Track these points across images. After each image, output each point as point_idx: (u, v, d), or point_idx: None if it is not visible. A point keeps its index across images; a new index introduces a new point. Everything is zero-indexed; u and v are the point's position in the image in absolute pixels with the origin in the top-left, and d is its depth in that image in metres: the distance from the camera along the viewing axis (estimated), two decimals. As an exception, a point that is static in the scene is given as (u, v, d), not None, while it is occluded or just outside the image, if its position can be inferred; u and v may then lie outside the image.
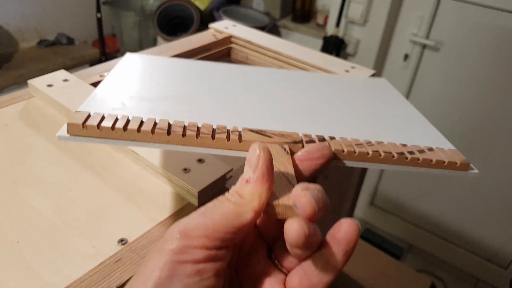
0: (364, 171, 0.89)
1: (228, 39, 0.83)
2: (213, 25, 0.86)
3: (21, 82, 1.91)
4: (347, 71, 0.72)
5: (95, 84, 0.62)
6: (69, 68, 2.06)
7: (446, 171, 0.34)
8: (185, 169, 0.46)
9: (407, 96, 1.85)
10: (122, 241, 0.40)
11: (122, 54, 1.92)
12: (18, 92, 0.61)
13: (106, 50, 2.10)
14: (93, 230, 0.41)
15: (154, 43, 2.09)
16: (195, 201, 0.44)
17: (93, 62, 2.10)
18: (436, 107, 1.78)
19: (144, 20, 2.03)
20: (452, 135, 1.83)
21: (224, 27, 0.85)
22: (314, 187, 0.23)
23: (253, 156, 0.25)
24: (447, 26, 1.63)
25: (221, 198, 0.25)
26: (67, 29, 2.16)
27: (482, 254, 1.89)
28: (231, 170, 0.47)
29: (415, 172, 0.32)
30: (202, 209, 0.25)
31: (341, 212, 0.87)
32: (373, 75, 0.73)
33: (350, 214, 0.95)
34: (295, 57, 0.76)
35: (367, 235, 1.72)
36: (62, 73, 0.63)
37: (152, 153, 0.48)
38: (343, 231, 0.23)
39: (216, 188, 0.46)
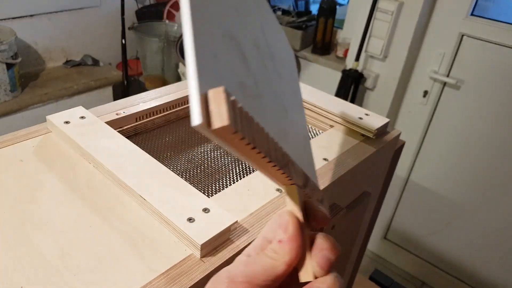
0: (376, 212, 0.89)
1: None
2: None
3: (46, 101, 1.96)
4: (360, 118, 0.72)
5: (111, 123, 0.64)
6: (93, 89, 2.11)
7: None
8: (190, 219, 0.46)
9: (426, 131, 1.83)
10: (122, 292, 0.40)
11: (145, 77, 1.95)
12: (37, 127, 0.63)
13: (130, 73, 2.15)
14: (94, 278, 0.41)
15: (176, 68, 2.12)
16: (198, 253, 0.45)
17: (116, 84, 2.14)
18: (454, 144, 1.76)
19: (167, 46, 2.07)
20: (469, 172, 1.81)
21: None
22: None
23: (284, 220, 0.30)
24: (468, 64, 1.63)
25: (261, 253, 0.31)
26: (93, 51, 2.22)
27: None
28: (236, 222, 0.47)
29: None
30: (245, 259, 0.31)
31: (352, 251, 0.86)
32: (386, 125, 0.73)
33: (362, 250, 0.94)
34: (306, 100, 0.76)
35: (376, 276, 1.68)
36: (79, 110, 0.64)
37: (159, 199, 0.49)
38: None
39: (220, 240, 0.46)
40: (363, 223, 0.81)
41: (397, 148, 0.78)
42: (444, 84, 1.71)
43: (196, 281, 0.42)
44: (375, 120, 0.72)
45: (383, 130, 0.73)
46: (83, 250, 0.44)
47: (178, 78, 2.18)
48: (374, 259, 2.14)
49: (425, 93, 1.78)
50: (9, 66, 1.75)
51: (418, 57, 1.75)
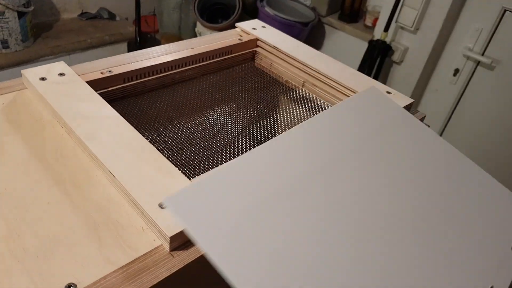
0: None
1: (254, 42, 0.76)
2: (240, 25, 0.78)
3: (58, 53, 1.90)
4: (379, 95, 0.63)
5: (93, 83, 0.56)
6: (107, 44, 2.04)
7: None
8: (162, 204, 0.39)
9: (452, 113, 1.72)
10: None
11: (161, 35, 1.86)
12: (11, 82, 0.56)
13: (145, 29, 2.06)
14: (41, 267, 0.35)
15: (193, 27, 2.03)
16: (167, 246, 0.38)
17: (132, 41, 2.06)
18: (482, 129, 1.65)
19: (186, 4, 1.97)
20: (495, 160, 1.70)
21: (251, 27, 0.77)
22: None
23: None
24: (507, 43, 1.49)
25: None
26: (110, 4, 2.13)
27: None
28: (217, 210, 0.40)
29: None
30: None
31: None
32: (409, 106, 0.64)
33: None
34: (324, 73, 0.67)
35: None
36: (59, 66, 0.57)
37: (130, 177, 0.42)
38: None
39: (195, 231, 0.39)
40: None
41: (419, 133, 0.69)
42: (478, 63, 1.58)
43: (160, 279, 0.36)
44: (397, 100, 0.63)
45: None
46: (34, 230, 0.38)
47: (195, 37, 2.08)
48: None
49: (456, 71, 1.65)
50: (20, 14, 1.68)
51: (453, 32, 1.62)
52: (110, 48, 2.04)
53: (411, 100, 0.65)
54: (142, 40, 1.96)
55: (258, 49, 0.76)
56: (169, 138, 0.57)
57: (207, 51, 0.68)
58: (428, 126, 0.64)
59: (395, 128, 0.51)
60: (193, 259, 0.38)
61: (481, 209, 0.41)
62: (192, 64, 0.68)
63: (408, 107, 0.64)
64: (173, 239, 0.37)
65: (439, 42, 1.62)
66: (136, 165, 0.43)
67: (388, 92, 0.65)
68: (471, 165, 0.47)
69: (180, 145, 0.56)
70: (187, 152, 0.55)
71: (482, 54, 1.56)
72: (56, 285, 0.34)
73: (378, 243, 0.35)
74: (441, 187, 0.43)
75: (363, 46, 1.75)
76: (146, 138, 0.48)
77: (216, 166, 0.51)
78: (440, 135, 1.74)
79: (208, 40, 0.72)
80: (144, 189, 0.41)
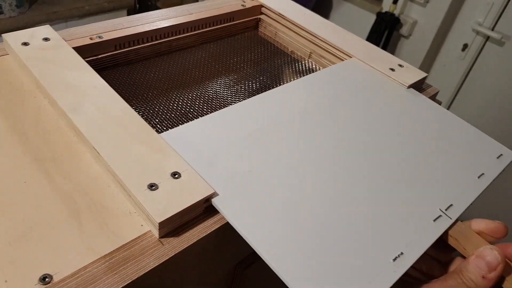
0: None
1: (258, 9, 0.70)
2: (243, -11, 0.72)
3: (54, 20, 1.84)
4: (392, 69, 0.58)
5: (81, 49, 0.51)
6: (106, 11, 1.97)
7: None
8: (152, 185, 0.35)
9: (459, 89, 1.67)
10: (45, 279, 0.30)
11: (162, 2, 1.79)
12: (-7, 45, 0.51)
13: (145, -3, 1.99)
14: (12, 256, 0.31)
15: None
16: (156, 232, 0.34)
17: (131, 8, 1.99)
18: (489, 106, 1.60)
19: (187, -31, 1.89)
20: (500, 138, 1.65)
21: (255, -7, 0.72)
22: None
23: (494, 261, 0.33)
24: (520, 19, 1.43)
25: (459, 281, 0.34)
26: (108, -31, 2.05)
27: None
28: (214, 193, 0.36)
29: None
30: (447, 285, 0.34)
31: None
32: (422, 81, 0.59)
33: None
34: (332, 43, 0.62)
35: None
36: (45, 30, 0.52)
37: (117, 154, 0.38)
38: None
39: (188, 216, 0.35)
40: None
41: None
42: (487, 38, 1.53)
43: (147, 270, 0.32)
44: (409, 73, 0.59)
45: (418, 87, 0.59)
46: (6, 214, 0.34)
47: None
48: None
49: (465, 46, 1.59)
50: (14, -22, 1.61)
51: (463, 5, 1.55)
52: (108, 16, 1.97)
53: (425, 74, 0.60)
54: (142, 7, 1.89)
55: (262, 17, 0.71)
56: (164, 112, 0.52)
57: (206, 17, 0.63)
58: (440, 103, 0.59)
59: (375, 89, 0.55)
60: (185, 247, 0.34)
61: (453, 148, 0.47)
62: (190, 31, 0.63)
63: (420, 82, 0.59)
64: (162, 224, 0.33)
65: (449, 15, 1.56)
66: (124, 141, 0.39)
67: (400, 65, 0.60)
68: (450, 116, 0.53)
69: (175, 120, 0.51)
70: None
71: (492, 29, 1.50)
72: (29, 276, 0.30)
73: (349, 171, 0.42)
74: (414, 130, 0.49)
75: (371, 19, 1.68)
76: (138, 112, 0.43)
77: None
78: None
79: (209, 6, 0.67)
80: (132, 168, 0.37)
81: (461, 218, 0.39)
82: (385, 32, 1.65)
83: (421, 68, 1.66)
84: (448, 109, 1.69)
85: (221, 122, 0.45)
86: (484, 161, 0.46)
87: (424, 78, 0.60)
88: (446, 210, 0.39)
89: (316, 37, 0.64)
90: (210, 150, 0.41)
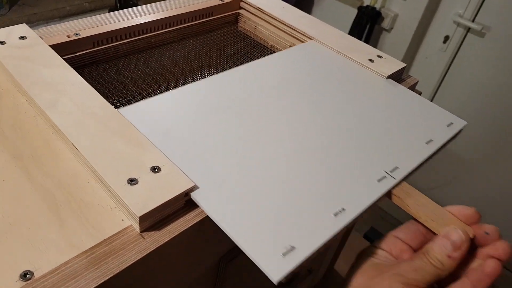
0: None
1: (237, 3, 0.71)
2: (222, -16, 0.72)
3: (35, 21, 1.82)
4: (371, 60, 0.59)
5: (58, 46, 0.51)
6: (87, 11, 1.96)
7: None
8: (132, 180, 0.35)
9: (442, 80, 1.68)
10: (25, 276, 0.30)
11: (143, 1, 1.78)
12: (-33, 45, 0.50)
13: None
14: (-9, 253, 0.31)
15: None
16: (137, 226, 0.34)
17: (113, 8, 1.98)
18: (471, 96, 1.62)
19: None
20: (483, 128, 1.68)
21: (234, -12, 0.72)
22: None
23: (458, 240, 0.34)
24: (498, 9, 1.45)
25: (426, 261, 0.34)
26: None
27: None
28: (194, 186, 0.36)
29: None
30: (414, 265, 0.34)
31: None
32: (401, 71, 0.60)
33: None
34: (311, 36, 0.62)
35: (370, 234, 1.59)
36: (21, 28, 0.52)
37: (96, 150, 0.37)
38: (491, 267, 0.34)
39: (169, 209, 0.35)
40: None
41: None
42: (468, 29, 1.54)
43: (129, 264, 0.32)
44: (388, 64, 0.59)
45: (397, 77, 0.60)
46: (-15, 212, 0.33)
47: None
48: (372, 212, 2.07)
49: (446, 38, 1.61)
50: (-8, -21, 1.59)
51: (443, -3, 1.56)
52: (90, 16, 1.96)
53: (403, 65, 0.61)
54: (123, 7, 1.87)
55: (241, 11, 0.71)
56: (144, 108, 0.52)
57: (185, 12, 0.63)
58: (420, 94, 0.60)
59: (335, 69, 0.58)
60: (166, 240, 0.34)
61: (405, 118, 0.51)
62: (169, 27, 0.62)
63: (399, 72, 0.60)
64: (143, 218, 0.33)
65: (430, 8, 1.57)
66: (103, 136, 0.39)
67: (379, 56, 0.61)
68: (403, 90, 0.56)
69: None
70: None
71: (473, 21, 1.51)
72: (10, 273, 0.30)
73: (305, 140, 0.45)
74: (369, 103, 0.52)
75: (352, 13, 1.69)
76: (117, 108, 0.43)
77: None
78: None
79: (187, 1, 0.67)
80: (112, 164, 0.36)
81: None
82: (367, 26, 1.66)
83: (404, 60, 1.67)
84: (431, 100, 1.71)
85: (178, 99, 0.48)
86: (434, 129, 0.49)
87: (403, 68, 0.60)
88: (391, 171, 0.42)
89: (296, 30, 0.64)
90: (167, 124, 0.43)
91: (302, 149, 0.43)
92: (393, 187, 0.41)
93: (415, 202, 0.40)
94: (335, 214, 0.37)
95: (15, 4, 1.82)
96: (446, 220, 0.38)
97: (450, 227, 0.36)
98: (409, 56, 1.70)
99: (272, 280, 0.31)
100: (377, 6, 1.63)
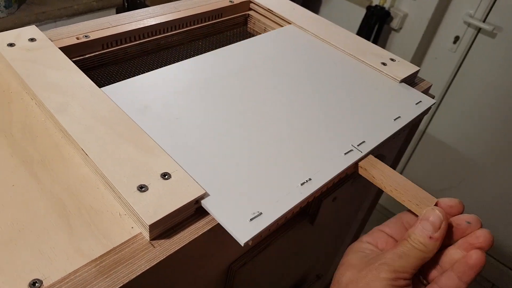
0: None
1: (246, 4, 0.70)
2: (232, -15, 0.72)
3: (43, 20, 1.82)
4: (383, 63, 0.58)
5: (67, 49, 0.51)
6: (95, 10, 1.95)
7: None
8: (142, 187, 0.35)
9: (451, 81, 1.67)
10: (34, 285, 0.30)
11: (150, 0, 1.77)
12: (-24, 47, 0.50)
13: (134, -6, 1.97)
14: (1, 260, 0.30)
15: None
16: (147, 234, 0.33)
17: (120, 7, 1.98)
18: (481, 98, 1.60)
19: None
20: (493, 130, 1.66)
21: (244, -11, 0.71)
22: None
23: (437, 220, 0.35)
24: (510, 10, 1.43)
25: (409, 246, 0.35)
26: (96, -33, 2.03)
27: (501, 259, 1.75)
28: (204, 194, 0.36)
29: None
30: (398, 252, 0.35)
31: (358, 214, 0.76)
32: (414, 75, 0.59)
33: (371, 209, 0.83)
34: (322, 38, 0.62)
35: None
36: (31, 30, 0.51)
37: (106, 155, 0.37)
38: (474, 258, 0.34)
39: (179, 217, 0.35)
40: (371, 191, 0.70)
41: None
42: (479, 30, 1.52)
43: (139, 273, 0.31)
44: (402, 67, 0.58)
45: (410, 81, 0.59)
46: (-6, 218, 0.33)
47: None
48: (381, 211, 2.06)
49: (456, 38, 1.59)
50: (1, -22, 1.59)
51: (454, -3, 1.55)
52: (97, 15, 1.95)
53: (417, 68, 0.60)
54: (130, 5, 1.87)
55: (251, 12, 0.70)
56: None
57: (194, 14, 0.62)
58: (433, 97, 0.59)
59: (308, 51, 0.60)
60: (176, 249, 0.33)
61: (375, 97, 0.53)
62: (178, 29, 0.62)
63: (413, 76, 0.59)
64: (153, 226, 0.33)
65: (440, 7, 1.56)
66: (113, 141, 0.39)
67: (392, 59, 0.60)
68: (370, 72, 0.58)
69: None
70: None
71: (484, 21, 1.50)
72: (19, 281, 0.29)
73: (276, 116, 0.48)
74: (343, 84, 0.55)
75: (361, 12, 1.68)
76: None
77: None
78: (439, 104, 1.70)
79: (197, 2, 0.66)
80: (122, 170, 0.36)
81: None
82: (376, 26, 1.65)
83: (413, 60, 1.66)
84: (440, 101, 1.70)
85: (160, 78, 0.50)
86: (403, 106, 0.52)
87: (417, 72, 0.59)
88: (358, 145, 0.45)
89: (306, 31, 0.63)
90: (145, 100, 0.46)
91: (275, 124, 0.46)
92: (359, 160, 0.43)
93: (380, 173, 0.42)
94: (302, 184, 0.39)
95: (23, 3, 1.82)
96: (409, 189, 0.40)
97: (427, 209, 0.36)
98: (418, 56, 1.69)
99: (239, 242, 0.33)
100: (386, 5, 1.62)
